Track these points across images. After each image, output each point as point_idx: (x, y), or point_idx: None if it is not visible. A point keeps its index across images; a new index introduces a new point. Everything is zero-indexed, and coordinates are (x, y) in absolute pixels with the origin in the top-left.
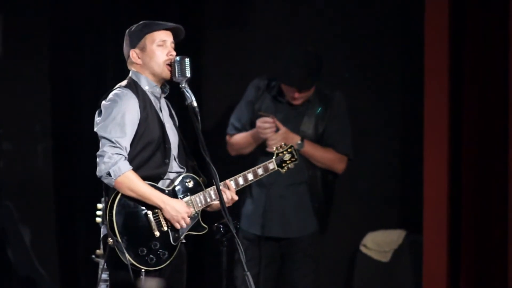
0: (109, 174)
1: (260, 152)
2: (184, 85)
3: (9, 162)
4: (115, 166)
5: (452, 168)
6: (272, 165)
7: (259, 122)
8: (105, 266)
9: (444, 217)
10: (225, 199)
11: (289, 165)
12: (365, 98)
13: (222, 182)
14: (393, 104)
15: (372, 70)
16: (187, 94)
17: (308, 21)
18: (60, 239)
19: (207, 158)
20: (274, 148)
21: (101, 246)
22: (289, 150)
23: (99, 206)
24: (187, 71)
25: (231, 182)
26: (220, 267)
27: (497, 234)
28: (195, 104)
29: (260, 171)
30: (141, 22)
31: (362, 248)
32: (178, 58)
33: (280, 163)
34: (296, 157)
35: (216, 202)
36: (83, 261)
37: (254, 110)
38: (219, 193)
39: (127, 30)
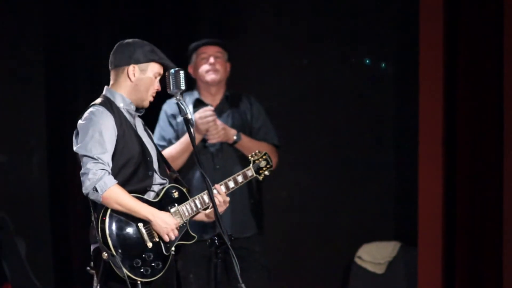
0: (95, 189)
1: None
2: (179, 98)
3: (4, 174)
4: (101, 181)
5: (447, 180)
6: (250, 172)
7: (200, 113)
8: (99, 282)
9: (439, 229)
10: (217, 203)
11: (265, 172)
12: (358, 111)
13: (212, 187)
14: (387, 117)
15: (365, 82)
16: (182, 106)
17: (302, 33)
18: (55, 251)
19: (201, 169)
20: (250, 155)
21: (92, 261)
22: (264, 157)
23: None
24: (181, 83)
25: (221, 186)
26: (215, 279)
27: (492, 247)
28: (190, 116)
29: (240, 178)
30: (149, 44)
31: (357, 260)
32: (173, 70)
33: (257, 170)
34: (270, 164)
35: (205, 211)
36: (78, 273)
37: (178, 123)
38: (213, 205)
39: (132, 44)
